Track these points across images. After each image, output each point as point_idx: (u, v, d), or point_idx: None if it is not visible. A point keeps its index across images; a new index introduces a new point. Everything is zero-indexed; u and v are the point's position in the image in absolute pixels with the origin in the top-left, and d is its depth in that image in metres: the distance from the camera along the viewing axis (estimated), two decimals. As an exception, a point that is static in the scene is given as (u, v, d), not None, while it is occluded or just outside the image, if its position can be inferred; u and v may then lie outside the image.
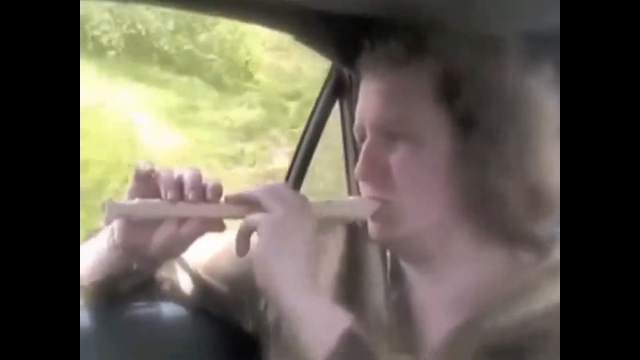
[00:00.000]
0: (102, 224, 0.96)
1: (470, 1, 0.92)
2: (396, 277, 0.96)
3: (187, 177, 0.91)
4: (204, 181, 0.91)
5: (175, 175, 0.91)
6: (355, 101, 0.95)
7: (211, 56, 6.30)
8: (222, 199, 0.91)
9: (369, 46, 0.93)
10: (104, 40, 6.11)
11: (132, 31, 6.19)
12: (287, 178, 1.23)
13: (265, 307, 1.01)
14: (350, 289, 0.97)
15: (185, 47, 6.33)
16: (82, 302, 1.05)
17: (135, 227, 0.92)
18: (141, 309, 1.08)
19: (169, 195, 0.90)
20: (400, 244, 0.94)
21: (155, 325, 1.08)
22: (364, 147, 0.92)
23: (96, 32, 6.08)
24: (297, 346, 0.84)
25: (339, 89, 1.16)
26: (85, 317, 1.04)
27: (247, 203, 0.89)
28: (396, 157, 0.89)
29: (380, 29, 0.95)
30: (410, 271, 0.95)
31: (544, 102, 0.88)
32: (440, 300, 0.91)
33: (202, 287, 1.07)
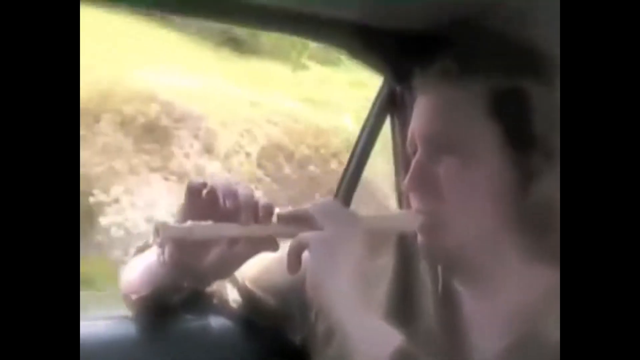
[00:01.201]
0: (154, 245, 0.99)
1: (522, 14, 0.91)
2: (447, 293, 0.95)
3: (241, 193, 0.92)
4: (255, 199, 0.92)
5: (232, 187, 0.92)
6: (407, 116, 0.95)
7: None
8: (274, 217, 0.92)
9: (423, 64, 0.94)
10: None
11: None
12: (337, 193, 1.23)
13: (315, 319, 1.01)
14: (402, 304, 0.97)
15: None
16: (131, 313, 1.06)
17: (186, 247, 0.94)
18: (189, 322, 1.09)
19: (227, 203, 0.91)
20: (447, 257, 0.93)
21: (204, 338, 1.10)
22: (414, 159, 0.92)
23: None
24: None
25: (391, 104, 1.15)
26: (134, 329, 1.06)
27: (298, 220, 0.90)
28: (444, 170, 0.90)
29: (433, 46, 0.94)
30: (461, 286, 0.95)
31: None
32: (491, 316, 0.91)
33: (251, 299, 1.08)
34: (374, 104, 1.11)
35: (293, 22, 0.94)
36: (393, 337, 0.83)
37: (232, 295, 1.09)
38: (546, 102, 0.87)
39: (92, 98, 5.26)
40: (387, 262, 1.01)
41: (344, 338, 0.84)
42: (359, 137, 1.16)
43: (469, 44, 0.92)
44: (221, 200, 0.92)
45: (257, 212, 0.92)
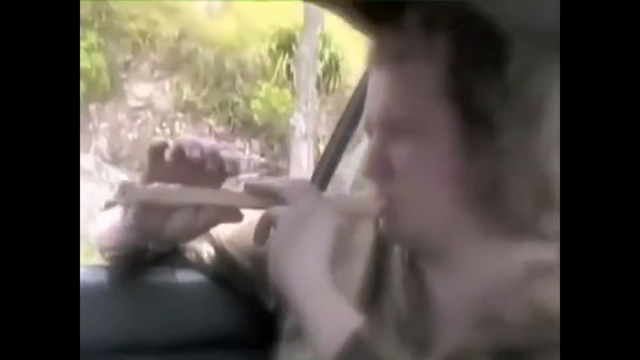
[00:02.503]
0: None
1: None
2: (414, 273, 0.95)
3: (205, 145, 0.93)
4: (220, 152, 0.94)
5: (197, 140, 0.94)
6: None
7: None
8: (242, 187, 0.91)
9: (375, 38, 0.92)
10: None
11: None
12: (313, 176, 1.23)
13: None
14: (375, 282, 0.97)
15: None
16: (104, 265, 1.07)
17: (150, 211, 0.92)
18: (161, 275, 1.09)
19: (193, 153, 0.92)
20: (407, 239, 0.93)
21: (175, 292, 1.10)
22: (369, 144, 0.91)
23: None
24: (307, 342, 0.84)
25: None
26: (106, 277, 1.07)
27: (267, 194, 0.89)
28: (399, 152, 0.88)
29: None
30: (427, 267, 0.94)
31: (546, 98, 0.87)
32: (455, 296, 0.90)
33: (226, 260, 1.07)
34: (358, 85, 1.10)
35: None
36: (351, 321, 0.81)
37: (208, 253, 1.09)
38: (500, 82, 0.86)
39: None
40: (366, 237, 1.00)
41: (301, 319, 0.83)
42: (340, 121, 1.18)
43: (429, 16, 0.88)
44: (187, 152, 0.93)
45: (222, 164, 0.93)
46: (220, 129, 5.93)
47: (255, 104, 5.78)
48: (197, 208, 0.90)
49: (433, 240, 0.90)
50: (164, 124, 6.05)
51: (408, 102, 0.88)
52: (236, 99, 5.90)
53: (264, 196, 0.89)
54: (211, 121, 5.95)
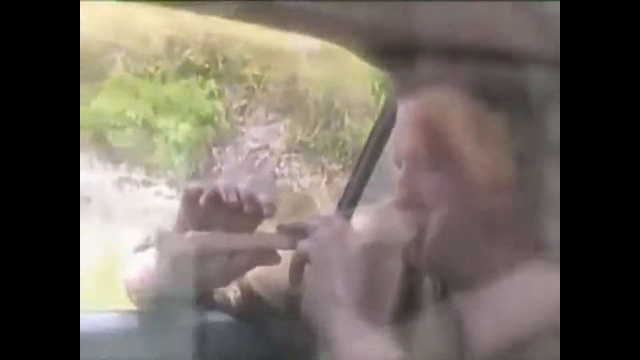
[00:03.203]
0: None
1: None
2: (445, 303, 0.94)
3: (242, 192, 0.95)
4: (257, 195, 0.95)
5: (232, 185, 0.96)
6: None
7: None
8: (275, 228, 0.93)
9: (401, 70, 0.93)
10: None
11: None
12: (339, 203, 1.22)
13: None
14: (404, 315, 0.95)
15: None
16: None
17: (186, 259, 0.94)
18: (192, 316, 1.07)
19: (230, 198, 0.94)
20: (437, 269, 0.92)
21: (205, 333, 1.10)
22: (399, 177, 0.91)
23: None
24: None
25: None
26: (133, 321, 1.09)
27: (299, 232, 0.90)
28: (428, 182, 0.88)
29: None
30: (455, 296, 0.93)
31: None
32: (485, 325, 0.89)
33: (253, 297, 1.08)
34: (383, 110, 1.10)
35: (287, 17, 0.93)
36: (387, 355, 0.81)
37: (234, 291, 1.10)
38: (524, 108, 0.85)
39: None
40: (396, 268, 0.98)
41: (336, 355, 0.83)
42: (365, 147, 1.16)
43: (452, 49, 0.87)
44: (224, 197, 0.94)
45: (260, 207, 0.94)
46: (332, 167, 6.00)
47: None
48: (231, 253, 0.92)
49: (463, 269, 0.90)
50: (282, 164, 6.20)
51: (438, 134, 0.88)
52: (346, 136, 5.98)
53: (296, 235, 0.90)
54: (324, 159, 6.03)
